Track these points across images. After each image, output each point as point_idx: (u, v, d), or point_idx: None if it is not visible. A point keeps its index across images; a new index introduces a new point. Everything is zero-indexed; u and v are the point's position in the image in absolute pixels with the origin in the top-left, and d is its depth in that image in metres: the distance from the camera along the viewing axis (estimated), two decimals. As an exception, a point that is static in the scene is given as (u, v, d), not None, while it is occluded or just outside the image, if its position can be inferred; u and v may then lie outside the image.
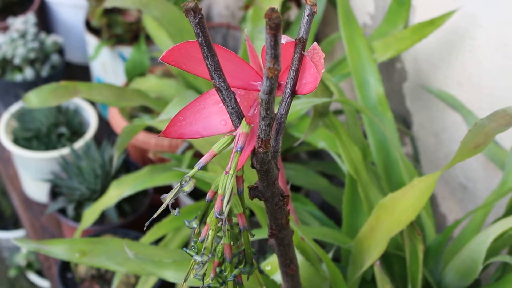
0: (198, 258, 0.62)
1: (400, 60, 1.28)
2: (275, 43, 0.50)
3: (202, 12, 0.54)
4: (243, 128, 0.59)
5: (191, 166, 1.22)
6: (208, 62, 0.58)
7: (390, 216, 0.84)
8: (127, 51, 1.74)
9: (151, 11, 1.17)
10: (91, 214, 1.23)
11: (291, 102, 0.64)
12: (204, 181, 1.19)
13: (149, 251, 0.93)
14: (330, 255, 0.93)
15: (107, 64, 1.80)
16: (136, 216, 1.41)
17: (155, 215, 0.62)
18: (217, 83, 0.59)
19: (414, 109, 1.29)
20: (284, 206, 0.67)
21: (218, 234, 0.64)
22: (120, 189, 1.22)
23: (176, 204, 1.37)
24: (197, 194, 1.35)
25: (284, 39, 0.61)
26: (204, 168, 1.20)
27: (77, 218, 1.41)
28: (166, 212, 1.52)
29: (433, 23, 1.08)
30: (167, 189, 1.36)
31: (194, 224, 0.66)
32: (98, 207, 1.23)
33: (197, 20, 0.55)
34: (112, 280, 1.30)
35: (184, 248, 0.63)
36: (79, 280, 1.31)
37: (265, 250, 1.21)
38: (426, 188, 0.80)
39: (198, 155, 1.33)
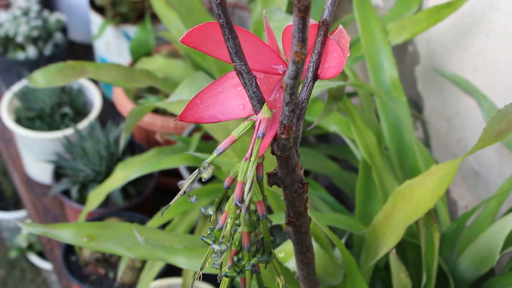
0: (216, 247, 0.60)
1: (412, 43, 1.26)
2: (303, 26, 0.48)
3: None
4: (264, 113, 0.57)
5: (199, 149, 1.20)
6: (229, 45, 0.55)
7: (407, 203, 0.82)
8: (132, 30, 1.71)
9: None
10: (96, 196, 1.21)
11: (313, 87, 0.62)
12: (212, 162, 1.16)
13: (158, 236, 0.91)
14: (343, 241, 0.91)
15: (111, 43, 1.77)
16: (141, 199, 1.39)
17: (172, 202, 0.60)
18: (238, 66, 0.56)
19: (426, 93, 1.27)
20: (303, 193, 0.65)
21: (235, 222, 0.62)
22: (126, 172, 1.20)
23: (190, 190, 1.35)
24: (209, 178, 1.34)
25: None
26: (214, 148, 1.19)
27: (81, 200, 1.39)
28: (172, 196, 1.50)
29: (450, 6, 1.06)
30: (172, 172, 1.34)
31: (211, 211, 0.64)
32: (104, 190, 1.21)
33: (218, 1, 0.53)
34: (117, 263, 1.28)
35: (201, 236, 0.61)
36: (83, 263, 1.29)
37: (274, 235, 1.20)
38: (445, 176, 0.78)
39: (206, 138, 1.31)
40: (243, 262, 0.63)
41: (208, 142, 1.29)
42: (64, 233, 0.89)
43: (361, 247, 0.97)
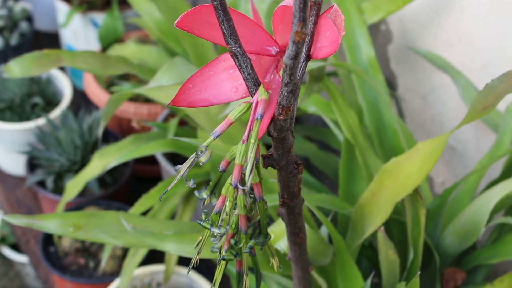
0: (216, 230, 0.60)
1: (385, 22, 1.26)
2: (304, 6, 0.47)
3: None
4: (261, 94, 0.57)
5: (177, 135, 1.19)
6: (223, 27, 0.55)
7: (394, 181, 0.83)
8: (99, 17, 1.69)
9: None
10: (74, 186, 1.20)
11: (306, 67, 0.62)
12: (191, 148, 1.16)
13: (144, 223, 0.90)
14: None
15: (78, 31, 1.75)
16: (117, 187, 1.38)
17: (169, 187, 0.59)
18: (233, 48, 0.56)
19: (399, 72, 1.28)
20: (298, 174, 0.65)
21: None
22: (104, 160, 1.19)
23: (165, 175, 1.34)
24: (182, 163, 1.33)
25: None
26: (194, 135, 1.18)
27: (57, 190, 1.37)
28: (148, 182, 1.49)
29: (426, -17, 1.06)
30: (147, 159, 1.33)
31: (205, 195, 0.63)
32: (82, 179, 1.20)
33: (212, -17, 0.53)
34: (98, 253, 1.27)
35: (198, 221, 0.61)
36: (63, 254, 1.28)
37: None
38: (432, 152, 0.79)
39: (181, 123, 1.31)
40: (240, 245, 0.63)
41: (184, 127, 1.28)
42: (50, 224, 0.88)
43: (346, 226, 0.97)
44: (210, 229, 0.60)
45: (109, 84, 1.53)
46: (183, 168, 0.60)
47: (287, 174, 0.65)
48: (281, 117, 0.57)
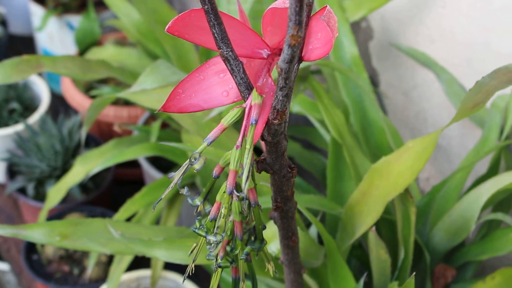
0: (212, 238, 0.59)
1: (366, 19, 1.26)
2: (300, 8, 0.47)
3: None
4: (255, 99, 0.56)
5: (159, 138, 1.18)
6: (214, 31, 0.54)
7: (385, 180, 0.82)
8: (75, 20, 1.67)
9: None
10: (56, 192, 1.18)
11: (298, 69, 0.61)
12: (175, 152, 1.15)
13: (132, 229, 0.89)
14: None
15: (54, 34, 1.73)
16: (99, 192, 1.36)
17: (163, 195, 0.58)
18: (225, 52, 0.55)
19: (381, 68, 1.27)
20: (292, 177, 0.64)
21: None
22: (86, 165, 1.17)
23: (148, 178, 1.33)
24: (164, 166, 1.32)
25: (284, 3, 0.58)
26: (180, 140, 1.17)
27: (38, 197, 1.35)
28: (130, 186, 1.47)
29: (408, -20, 1.06)
30: (128, 162, 1.32)
31: (198, 202, 0.62)
32: (64, 185, 1.18)
33: (202, -14, 0.52)
34: (82, 259, 1.26)
35: (193, 228, 0.60)
36: (46, 261, 1.26)
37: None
38: (423, 150, 0.78)
39: (163, 125, 1.29)
40: (236, 252, 0.62)
41: (165, 129, 1.27)
42: (35, 233, 0.87)
43: (334, 226, 0.97)
44: (206, 237, 0.59)
45: (87, 88, 1.51)
46: (177, 175, 0.58)
47: (280, 178, 0.64)
48: (276, 121, 0.56)
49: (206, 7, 0.53)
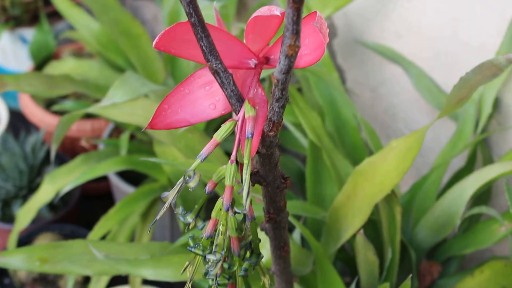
0: (212, 257, 0.57)
1: (328, 17, 1.24)
2: (297, 18, 0.45)
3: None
4: (248, 111, 0.54)
5: (131, 151, 1.15)
6: (202, 44, 0.52)
7: (370, 181, 0.81)
8: (28, 33, 1.63)
9: (70, -11, 1.09)
10: (26, 213, 1.15)
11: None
12: (146, 164, 1.13)
13: (114, 248, 0.86)
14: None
15: (7, 49, 1.68)
16: (68, 209, 1.33)
17: (158, 217, 0.56)
18: (214, 65, 0.53)
19: (347, 66, 1.26)
20: (285, 188, 0.63)
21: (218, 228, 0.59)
22: (55, 184, 1.14)
23: (117, 192, 1.30)
24: (131, 178, 1.29)
25: (269, 10, 0.56)
26: (150, 152, 1.14)
27: (5, 218, 1.32)
28: (98, 201, 1.44)
29: (373, -24, 1.05)
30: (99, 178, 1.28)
31: (190, 219, 0.60)
32: (34, 205, 1.14)
33: (189, -1, 0.50)
34: (56, 281, 1.23)
35: (189, 247, 0.58)
36: (19, 284, 1.22)
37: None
38: (408, 149, 0.77)
39: (132, 137, 1.27)
40: (234, 268, 0.60)
41: (132, 141, 1.24)
42: (14, 260, 0.84)
43: (317, 231, 0.95)
44: (204, 256, 0.57)
45: (47, 103, 1.48)
46: (171, 195, 0.56)
47: (274, 190, 0.62)
48: (271, 133, 0.54)
49: (192, 19, 0.51)
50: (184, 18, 1.16)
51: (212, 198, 0.79)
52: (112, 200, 1.44)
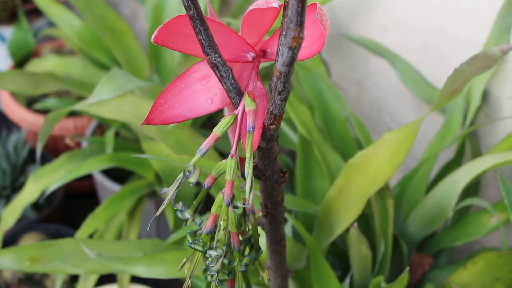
0: (213, 253, 0.56)
1: (313, 11, 1.24)
2: (301, 9, 0.45)
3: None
4: (249, 105, 0.53)
5: (117, 149, 1.14)
6: (201, 37, 0.52)
7: (363, 175, 0.80)
8: (6, 31, 1.61)
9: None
10: (10, 213, 1.13)
11: (286, 70, 0.59)
12: (132, 161, 1.12)
13: (105, 246, 0.85)
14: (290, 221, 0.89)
15: (-16, 48, 1.66)
16: (52, 209, 1.31)
17: (158, 213, 0.55)
18: (213, 59, 0.53)
19: (332, 60, 1.26)
20: (284, 182, 0.62)
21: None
22: (40, 183, 1.12)
23: (102, 190, 1.29)
24: (116, 175, 1.27)
25: (267, 3, 0.56)
26: (140, 150, 1.13)
27: (-11, 218, 1.30)
28: (80, 199, 1.42)
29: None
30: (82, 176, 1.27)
31: (187, 215, 0.60)
32: (19, 205, 1.13)
33: (188, -8, 0.49)
34: (42, 280, 1.21)
35: (188, 243, 0.58)
36: (4, 285, 1.21)
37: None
38: (402, 142, 0.77)
39: (116, 135, 1.25)
40: (234, 264, 0.59)
41: (117, 139, 1.23)
42: (4, 260, 0.83)
43: (308, 225, 0.95)
44: (205, 252, 0.57)
45: (28, 102, 1.46)
46: (170, 191, 0.56)
47: (272, 184, 0.62)
48: (272, 126, 0.54)
49: (191, 13, 0.50)
50: (168, 14, 1.15)
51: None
52: (96, 198, 1.43)
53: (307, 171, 0.96)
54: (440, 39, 1.02)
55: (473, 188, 1.00)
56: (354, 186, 0.82)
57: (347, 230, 0.85)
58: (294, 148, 1.02)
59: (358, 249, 0.84)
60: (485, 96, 0.99)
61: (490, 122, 0.97)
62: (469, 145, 1.00)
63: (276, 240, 0.70)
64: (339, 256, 0.97)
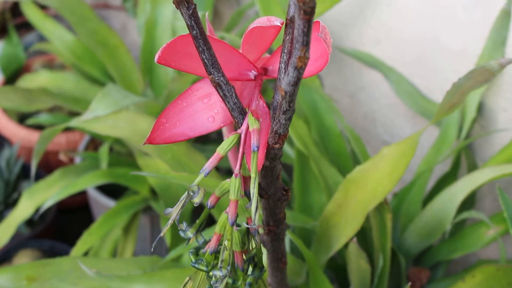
0: (218, 273, 0.56)
1: (305, 24, 1.24)
2: (308, 29, 0.44)
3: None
4: (252, 124, 0.53)
5: (111, 164, 1.13)
6: (204, 57, 0.51)
7: (362, 190, 0.80)
8: (-4, 46, 1.60)
9: (48, 1, 1.06)
10: (5, 230, 1.12)
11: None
12: (127, 177, 1.11)
13: (103, 264, 0.85)
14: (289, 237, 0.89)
15: (-25, 62, 1.65)
16: (45, 224, 1.30)
17: (161, 234, 0.55)
18: (216, 78, 0.53)
19: (324, 72, 1.26)
20: (286, 200, 0.62)
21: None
22: (34, 199, 1.11)
23: (95, 206, 1.28)
24: (109, 190, 1.27)
25: (268, 21, 0.56)
26: (135, 165, 1.13)
27: (-19, 235, 1.29)
28: (73, 214, 1.41)
29: (353, -18, 1.04)
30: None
31: (190, 234, 0.59)
32: (13, 221, 1.12)
33: (190, 11, 0.49)
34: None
35: (192, 263, 0.57)
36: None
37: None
38: (400, 156, 0.77)
39: (110, 150, 1.25)
40: (239, 283, 0.59)
41: (111, 154, 1.22)
42: (1, 279, 0.82)
43: (305, 240, 0.95)
44: (209, 272, 0.56)
45: (20, 117, 1.45)
46: (174, 211, 0.55)
47: (274, 202, 0.62)
48: (276, 145, 0.53)
49: (194, 32, 0.50)
50: (161, 27, 1.15)
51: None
52: (88, 212, 1.42)
53: (304, 186, 0.96)
54: (434, 51, 1.02)
55: (469, 200, 0.99)
56: (353, 201, 0.81)
57: (345, 245, 0.85)
58: (290, 162, 1.02)
59: (357, 264, 0.84)
60: (480, 108, 0.99)
61: (487, 135, 0.98)
62: (465, 157, 1.00)
63: (278, 257, 0.70)
64: (337, 271, 0.97)
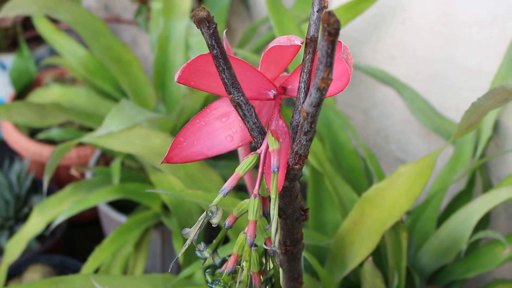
0: (237, 295, 0.55)
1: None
2: (332, 51, 0.44)
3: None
4: (272, 144, 0.52)
5: (123, 179, 1.13)
6: (224, 76, 0.51)
7: (378, 208, 0.80)
8: (8, 59, 1.60)
9: (61, 15, 1.06)
10: (15, 245, 1.12)
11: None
12: (139, 193, 1.10)
13: (116, 282, 0.84)
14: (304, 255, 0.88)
15: (-15, 76, 1.65)
16: (55, 239, 1.30)
17: (179, 254, 0.54)
18: (236, 97, 0.52)
19: (337, 88, 1.25)
20: (305, 220, 0.61)
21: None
22: (45, 215, 1.11)
23: (106, 221, 1.27)
24: (120, 205, 1.26)
25: (289, 40, 0.55)
26: (146, 181, 1.12)
27: (-8, 250, 1.28)
28: (83, 228, 1.41)
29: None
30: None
31: (207, 254, 0.59)
32: (24, 237, 1.11)
33: (211, 31, 0.49)
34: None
35: (208, 284, 0.57)
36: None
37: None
38: (418, 175, 0.77)
39: (123, 165, 1.24)
40: (256, 304, 0.58)
41: (122, 168, 1.22)
42: (13, 297, 0.81)
43: (319, 258, 0.94)
44: (227, 294, 0.56)
45: (31, 131, 1.45)
46: (193, 231, 0.55)
47: (292, 222, 0.61)
48: (297, 166, 0.53)
49: (215, 52, 0.50)
50: (174, 42, 1.15)
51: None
52: (98, 227, 1.41)
53: (318, 203, 0.95)
54: (449, 68, 1.02)
55: (484, 219, 0.99)
56: (369, 220, 0.81)
57: (360, 264, 0.84)
58: (304, 179, 1.01)
59: (372, 283, 0.83)
60: (496, 126, 0.98)
61: (503, 154, 0.97)
62: (480, 176, 1.00)
63: (294, 277, 0.69)
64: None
